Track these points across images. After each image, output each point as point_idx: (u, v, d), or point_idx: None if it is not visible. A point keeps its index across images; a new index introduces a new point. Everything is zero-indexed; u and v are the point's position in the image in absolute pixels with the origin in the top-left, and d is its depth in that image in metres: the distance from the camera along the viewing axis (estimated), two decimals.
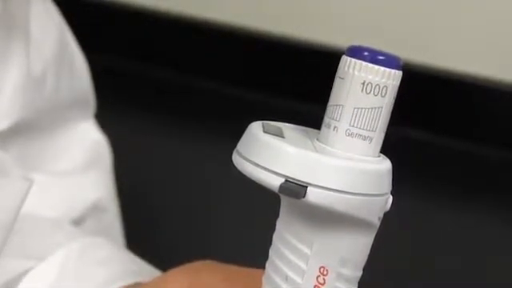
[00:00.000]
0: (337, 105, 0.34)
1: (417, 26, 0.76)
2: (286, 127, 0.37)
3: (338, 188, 0.33)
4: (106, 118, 0.65)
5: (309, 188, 0.33)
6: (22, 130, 0.56)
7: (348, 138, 0.34)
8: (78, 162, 0.61)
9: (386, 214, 0.36)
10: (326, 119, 0.35)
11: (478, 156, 0.75)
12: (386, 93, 0.34)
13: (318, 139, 0.35)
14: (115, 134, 0.66)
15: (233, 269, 0.49)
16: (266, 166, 0.33)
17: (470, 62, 0.74)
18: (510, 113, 0.73)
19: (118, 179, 0.66)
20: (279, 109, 0.80)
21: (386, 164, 0.35)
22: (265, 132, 0.34)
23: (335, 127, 0.34)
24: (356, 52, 0.34)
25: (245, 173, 0.34)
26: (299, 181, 0.33)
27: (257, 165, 0.34)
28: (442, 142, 0.76)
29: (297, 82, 0.79)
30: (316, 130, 0.37)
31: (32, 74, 0.55)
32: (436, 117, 0.76)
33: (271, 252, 0.36)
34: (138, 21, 0.85)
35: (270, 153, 0.33)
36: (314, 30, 0.79)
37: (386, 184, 0.35)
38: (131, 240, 0.66)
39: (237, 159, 0.35)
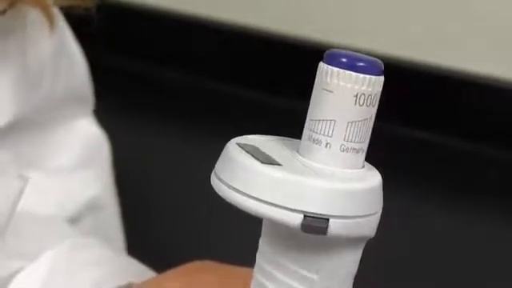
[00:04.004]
0: (327, 120, 0.32)
1: (417, 24, 0.76)
2: (263, 145, 0.34)
3: (355, 214, 0.32)
4: (105, 117, 0.65)
5: (331, 220, 0.31)
6: (19, 127, 0.56)
7: (343, 153, 0.32)
8: (76, 159, 0.61)
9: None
10: (313, 134, 0.32)
11: (478, 156, 0.75)
12: (375, 101, 0.32)
13: (300, 154, 0.33)
14: (115, 133, 0.66)
15: (230, 269, 0.48)
16: (280, 204, 0.31)
17: (470, 61, 0.74)
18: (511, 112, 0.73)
19: (118, 179, 0.66)
20: (279, 109, 0.79)
21: (379, 175, 0.34)
22: (262, 162, 0.32)
23: (328, 143, 0.32)
24: (337, 60, 0.32)
25: (246, 209, 0.31)
26: (319, 214, 0.31)
27: (265, 202, 0.31)
28: (442, 141, 0.75)
29: (297, 82, 0.78)
30: (291, 140, 0.35)
31: (29, 70, 0.55)
32: (436, 116, 0.76)
33: (259, 274, 0.34)
34: (138, 20, 0.85)
35: (281, 189, 0.31)
36: (314, 29, 0.78)
37: (382, 195, 0.34)
38: (130, 239, 0.66)
39: (232, 194, 0.32)
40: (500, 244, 0.75)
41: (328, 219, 0.31)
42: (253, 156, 0.32)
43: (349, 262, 0.34)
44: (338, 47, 0.75)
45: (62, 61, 0.59)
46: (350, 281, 0.34)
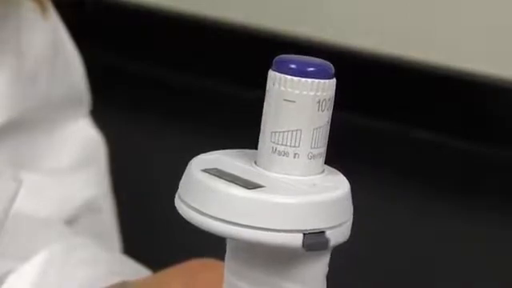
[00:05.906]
0: (292, 130, 0.31)
1: (417, 23, 0.76)
2: (222, 164, 0.32)
3: (342, 220, 0.31)
4: (104, 117, 0.64)
5: (327, 232, 0.30)
6: (15, 128, 0.55)
7: (310, 160, 0.32)
8: (72, 160, 0.61)
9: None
10: (278, 147, 0.31)
11: (478, 156, 0.75)
12: (332, 103, 0.32)
13: (265, 168, 0.32)
14: (115, 133, 0.66)
15: None
16: (278, 228, 0.30)
17: (470, 60, 0.74)
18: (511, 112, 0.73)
19: (117, 179, 0.66)
20: None
21: (343, 176, 0.33)
22: (248, 188, 0.30)
23: (296, 154, 0.31)
24: (289, 67, 0.31)
25: (243, 240, 0.30)
26: (316, 229, 0.30)
27: (262, 229, 0.30)
28: (442, 141, 0.75)
29: None
30: (239, 152, 0.34)
31: (24, 71, 0.55)
32: (436, 116, 0.76)
33: None
34: (137, 19, 0.85)
35: (277, 212, 0.30)
36: (315, 28, 0.78)
37: None
38: (127, 240, 0.66)
39: (226, 228, 0.30)
40: (500, 244, 0.75)
41: (324, 232, 0.30)
42: (230, 182, 0.31)
43: (325, 265, 0.33)
44: (338, 47, 0.75)
45: (58, 61, 0.58)
46: (325, 280, 0.34)
